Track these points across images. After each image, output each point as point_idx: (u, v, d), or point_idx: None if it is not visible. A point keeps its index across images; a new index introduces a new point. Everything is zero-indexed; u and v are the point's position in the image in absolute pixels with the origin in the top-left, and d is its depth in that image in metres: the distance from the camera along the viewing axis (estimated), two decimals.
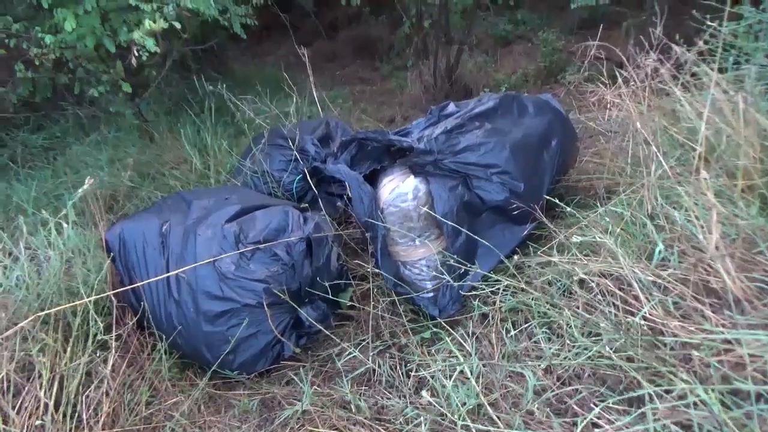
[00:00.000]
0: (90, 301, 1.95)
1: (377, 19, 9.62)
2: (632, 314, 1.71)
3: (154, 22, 3.00)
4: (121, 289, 2.21)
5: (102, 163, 4.40)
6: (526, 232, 2.27)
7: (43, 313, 2.01)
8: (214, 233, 2.17)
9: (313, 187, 2.76)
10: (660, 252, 1.79)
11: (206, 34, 5.74)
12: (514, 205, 2.18)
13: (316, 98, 4.25)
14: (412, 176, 2.24)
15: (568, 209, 2.26)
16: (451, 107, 2.52)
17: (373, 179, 2.39)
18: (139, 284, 2.18)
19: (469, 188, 2.21)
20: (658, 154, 2.08)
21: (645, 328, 1.66)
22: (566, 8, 9.70)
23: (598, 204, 2.31)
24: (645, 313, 1.65)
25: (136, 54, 3.17)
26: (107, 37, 3.42)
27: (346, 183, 2.27)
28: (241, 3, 3.88)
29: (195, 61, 6.23)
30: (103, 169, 4.28)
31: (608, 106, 3.33)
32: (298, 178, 2.92)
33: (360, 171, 2.37)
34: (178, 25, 3.20)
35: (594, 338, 1.81)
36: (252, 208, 2.33)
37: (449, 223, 2.08)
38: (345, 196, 2.92)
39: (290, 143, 2.94)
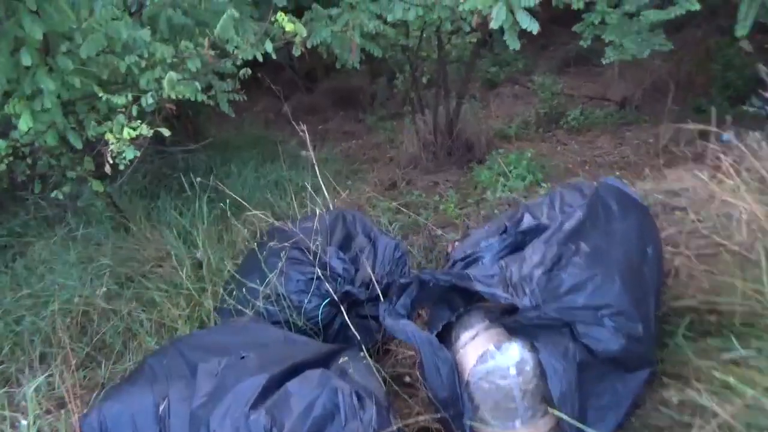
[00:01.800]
0: None
1: (356, 69, 9.24)
2: None
3: (130, 119, 2.45)
4: None
5: (69, 267, 3.75)
6: (643, 381, 1.74)
7: None
8: (236, 428, 1.58)
9: (346, 316, 2.20)
10: None
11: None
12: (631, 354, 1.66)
13: (317, 172, 3.69)
14: (514, 344, 1.69)
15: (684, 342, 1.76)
16: (528, 220, 2.00)
17: (443, 330, 1.84)
18: None
19: (575, 339, 1.68)
20: None
21: None
22: (548, 47, 9.51)
23: (734, 339, 1.79)
24: None
25: (111, 161, 2.60)
26: (72, 131, 2.84)
27: (415, 347, 1.72)
28: (227, 77, 3.35)
29: (169, 129, 5.65)
30: (72, 275, 3.63)
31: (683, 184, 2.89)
32: (323, 303, 2.36)
33: (431, 328, 1.82)
34: (166, 132, 2.65)
35: None
36: (281, 376, 1.75)
37: (566, 416, 1.51)
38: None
39: (308, 255, 2.39)
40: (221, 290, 2.93)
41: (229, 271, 3.52)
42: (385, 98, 8.41)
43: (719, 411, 1.57)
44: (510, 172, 4.27)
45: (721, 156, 2.31)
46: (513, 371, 1.64)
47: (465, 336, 1.79)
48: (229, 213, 3.65)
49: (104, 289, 3.16)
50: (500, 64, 8.78)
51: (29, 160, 3.33)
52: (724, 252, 2.10)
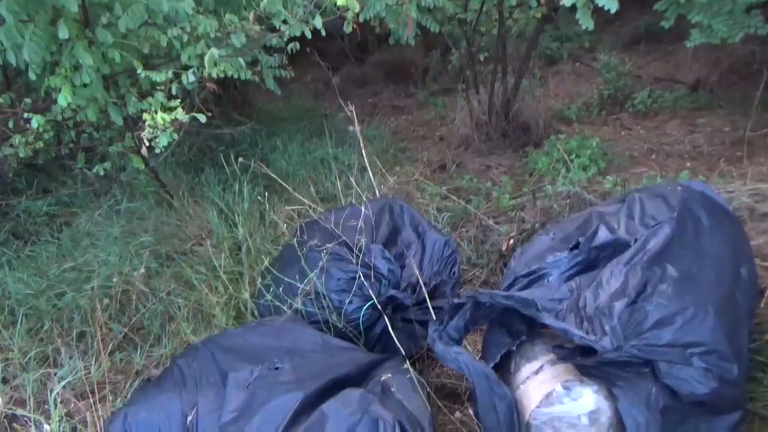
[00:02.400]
0: None
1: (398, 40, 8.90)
2: None
3: (169, 98, 2.30)
4: None
5: (112, 242, 3.71)
6: (732, 425, 1.50)
7: None
8: None
9: (389, 323, 2.02)
10: None
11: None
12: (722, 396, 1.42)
13: (366, 161, 3.48)
14: (588, 389, 1.47)
15: None
16: (603, 234, 1.73)
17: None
18: None
19: (656, 378, 1.44)
20: None
21: None
22: (614, 21, 8.89)
23: None
24: None
25: (147, 144, 2.47)
26: (113, 106, 2.73)
27: (469, 379, 1.52)
28: (274, 52, 3.16)
29: (215, 102, 5.54)
30: (114, 250, 3.58)
31: None
32: (366, 306, 2.18)
33: (487, 355, 1.61)
34: (202, 118, 2.49)
35: None
36: (316, 395, 1.60)
37: None
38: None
39: (350, 252, 2.22)
40: (258, 280, 2.81)
41: (268, 256, 3.41)
42: (438, 73, 8.09)
43: None
44: (571, 160, 3.96)
45: None
46: (585, 420, 1.42)
47: (527, 369, 1.58)
48: (267, 195, 3.52)
49: (143, 270, 3.08)
50: (561, 39, 8.27)
51: (73, 133, 3.24)
52: None
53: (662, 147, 4.92)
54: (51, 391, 2.25)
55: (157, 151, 2.60)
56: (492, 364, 1.57)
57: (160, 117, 2.30)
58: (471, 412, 2.01)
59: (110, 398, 2.32)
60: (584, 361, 1.47)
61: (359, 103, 7.92)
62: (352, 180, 4.18)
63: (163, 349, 2.76)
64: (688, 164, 4.50)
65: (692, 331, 1.43)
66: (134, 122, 3.11)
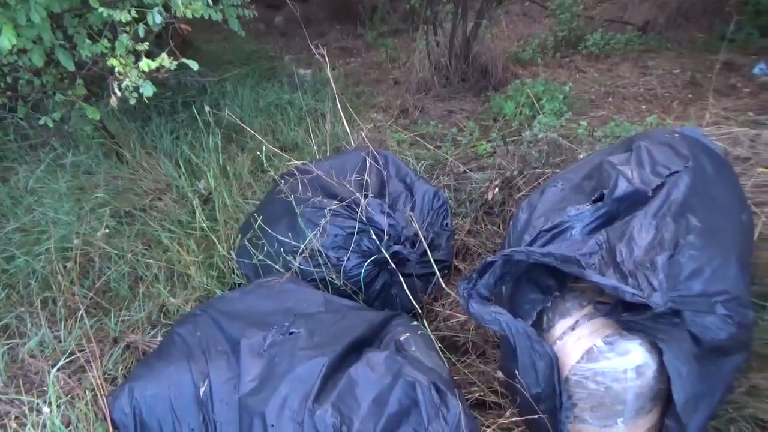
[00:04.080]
0: None
1: None
2: None
3: (135, 40, 2.04)
4: None
5: (60, 199, 3.41)
6: (738, 365, 1.57)
7: None
8: (298, 423, 1.37)
9: (401, 278, 1.96)
10: None
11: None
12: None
13: (339, 108, 3.31)
14: (635, 343, 1.45)
15: None
16: (623, 185, 1.69)
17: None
18: None
19: (684, 327, 1.46)
20: None
21: None
22: None
23: None
24: None
25: (118, 93, 2.21)
26: (62, 49, 2.43)
27: (510, 338, 1.48)
28: None
29: (157, 42, 5.11)
30: (64, 208, 3.30)
31: None
32: (368, 262, 2.11)
33: (520, 313, 1.57)
34: (194, 65, 2.24)
35: None
36: (340, 358, 1.53)
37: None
38: (434, 279, 2.17)
39: (352, 210, 2.12)
40: (238, 235, 2.67)
41: (240, 208, 3.24)
42: (386, 12, 7.80)
43: None
44: (541, 106, 3.95)
45: None
46: (632, 374, 1.44)
47: (562, 325, 1.57)
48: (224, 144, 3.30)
49: (105, 229, 2.85)
50: None
51: (9, 79, 2.89)
52: None
53: (617, 90, 5.00)
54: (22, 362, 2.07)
55: (132, 102, 2.34)
56: (530, 323, 1.56)
57: (145, 64, 2.05)
58: (478, 364, 2.02)
59: (92, 368, 2.16)
60: (630, 317, 1.48)
61: (304, 45, 7.54)
62: (326, 126, 4.01)
63: (139, 313, 2.60)
64: (643, 107, 4.61)
65: (719, 280, 1.46)
66: (82, 67, 2.79)
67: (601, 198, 1.70)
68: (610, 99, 4.83)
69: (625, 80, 5.19)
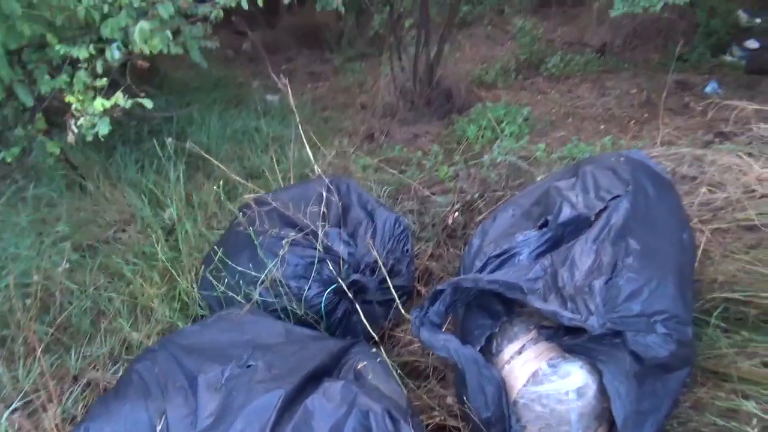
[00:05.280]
0: None
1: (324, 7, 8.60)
2: None
3: (95, 76, 2.06)
4: None
5: (21, 233, 3.36)
6: (682, 380, 1.63)
7: None
8: None
9: (358, 306, 1.98)
10: None
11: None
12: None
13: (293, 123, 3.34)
14: (575, 366, 1.51)
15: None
16: (567, 211, 1.77)
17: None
18: None
19: (625, 348, 1.52)
20: None
21: None
22: None
23: None
24: None
25: (75, 131, 2.22)
26: (20, 84, 2.43)
27: (459, 364, 1.52)
28: (196, 21, 2.93)
29: (121, 72, 5.11)
30: (25, 242, 3.25)
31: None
32: (328, 291, 2.13)
33: (469, 339, 1.61)
34: (149, 104, 2.26)
35: None
36: (297, 389, 1.55)
37: None
38: (394, 305, 2.20)
39: (312, 240, 2.15)
40: (201, 267, 2.66)
41: (205, 238, 3.24)
42: (353, 37, 7.93)
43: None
44: (501, 128, 4.05)
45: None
46: (573, 396, 1.49)
47: (509, 349, 1.61)
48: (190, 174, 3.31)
49: (66, 264, 2.81)
50: (473, 2, 8.36)
51: None
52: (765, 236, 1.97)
53: (577, 110, 5.15)
54: None
55: (89, 138, 2.35)
56: (478, 348, 1.60)
57: (100, 103, 2.06)
58: (438, 389, 2.05)
59: (50, 408, 2.13)
60: (570, 341, 1.53)
61: (273, 71, 7.62)
62: (283, 156, 4.03)
63: (101, 349, 2.57)
64: (602, 127, 4.76)
65: (657, 300, 1.53)
66: (42, 102, 2.79)
67: (546, 224, 1.76)
68: (570, 120, 4.97)
69: (584, 101, 5.36)
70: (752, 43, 5.59)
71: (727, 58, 5.68)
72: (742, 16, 6.03)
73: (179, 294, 2.70)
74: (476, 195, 3.04)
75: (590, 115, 5.04)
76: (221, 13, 3.02)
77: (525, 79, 6.02)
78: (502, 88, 5.83)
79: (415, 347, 2.28)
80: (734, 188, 2.28)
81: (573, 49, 6.51)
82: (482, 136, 4.19)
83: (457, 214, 2.78)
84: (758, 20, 5.92)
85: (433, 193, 3.55)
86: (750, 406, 1.56)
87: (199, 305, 2.55)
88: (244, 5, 2.42)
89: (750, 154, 2.43)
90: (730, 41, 5.76)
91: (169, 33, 2.41)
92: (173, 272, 2.76)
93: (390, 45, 5.15)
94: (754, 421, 1.59)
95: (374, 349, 1.94)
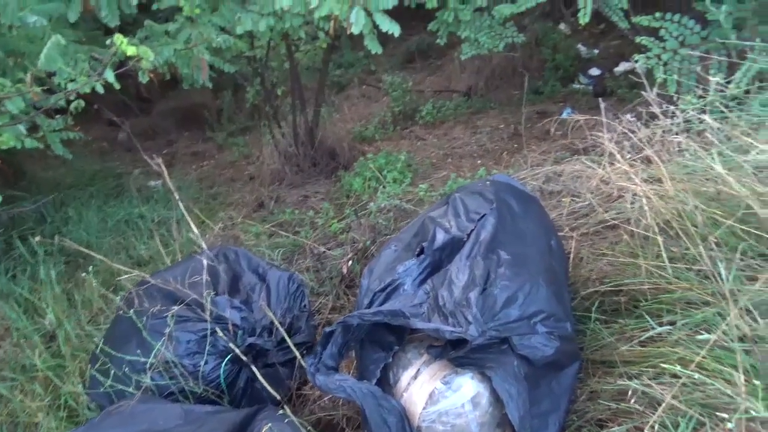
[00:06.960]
0: None
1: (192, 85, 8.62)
2: None
3: None
4: None
5: None
6: (575, 375, 1.71)
7: None
8: None
9: (256, 370, 1.91)
10: None
11: None
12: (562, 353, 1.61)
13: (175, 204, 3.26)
14: (465, 377, 1.53)
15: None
16: (441, 236, 1.86)
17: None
18: None
19: (513, 352, 1.58)
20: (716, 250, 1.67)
21: None
22: (387, 44, 9.64)
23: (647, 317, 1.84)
24: None
25: None
26: None
27: (357, 401, 1.50)
28: (56, 113, 2.83)
29: None
30: None
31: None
32: (224, 362, 2.04)
33: (366, 374, 1.60)
34: None
35: None
36: None
37: None
38: (296, 363, 2.15)
39: (200, 312, 2.07)
40: (88, 366, 2.47)
41: (90, 338, 3.02)
42: (233, 113, 7.97)
43: (658, 392, 1.59)
44: (384, 176, 4.19)
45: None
46: (468, 407, 1.51)
47: (405, 376, 1.62)
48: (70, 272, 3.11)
49: None
50: (344, 66, 8.75)
51: None
52: (622, 231, 2.16)
53: (454, 150, 5.45)
54: None
55: None
56: (374, 381, 1.59)
57: None
58: None
59: None
60: (456, 354, 1.56)
61: (151, 156, 7.43)
62: (171, 239, 3.91)
63: None
64: (479, 161, 5.05)
65: (532, 302, 1.62)
66: None
67: (422, 251, 1.83)
68: (450, 160, 5.24)
69: (459, 141, 5.68)
70: (595, 71, 6.31)
71: (576, 86, 6.31)
72: (582, 49, 6.80)
73: (65, 401, 2.47)
74: (368, 242, 3.09)
75: (467, 153, 5.34)
76: (82, 103, 2.94)
77: (403, 129, 6.31)
78: (382, 140, 6.06)
79: (326, 401, 2.22)
80: (592, 195, 2.50)
81: (442, 96, 6.94)
82: (368, 187, 4.31)
83: (351, 263, 2.81)
84: (596, 51, 6.72)
85: (328, 248, 3.57)
86: (634, 384, 1.66)
87: (88, 407, 2.35)
88: (99, 89, 2.37)
89: (593, 160, 2.69)
90: (575, 71, 6.42)
91: (22, 128, 2.30)
92: (55, 380, 2.53)
93: (267, 114, 5.24)
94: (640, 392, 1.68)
95: (281, 411, 1.87)
